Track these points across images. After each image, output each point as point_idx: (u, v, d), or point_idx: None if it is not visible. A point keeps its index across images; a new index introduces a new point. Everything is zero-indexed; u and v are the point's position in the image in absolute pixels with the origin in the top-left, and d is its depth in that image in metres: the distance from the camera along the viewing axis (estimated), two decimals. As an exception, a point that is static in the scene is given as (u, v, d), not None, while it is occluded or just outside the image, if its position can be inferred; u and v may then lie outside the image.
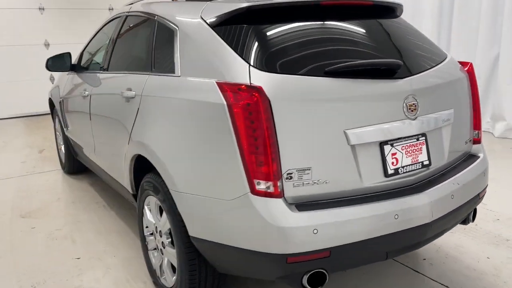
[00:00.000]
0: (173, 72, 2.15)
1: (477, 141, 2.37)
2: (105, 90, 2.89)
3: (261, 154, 1.68)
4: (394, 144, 1.91)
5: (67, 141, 4.20)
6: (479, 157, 2.32)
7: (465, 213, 2.18)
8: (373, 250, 1.84)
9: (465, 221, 2.27)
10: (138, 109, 2.34)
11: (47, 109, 7.82)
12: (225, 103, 1.74)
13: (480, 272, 2.60)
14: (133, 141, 2.38)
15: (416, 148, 1.97)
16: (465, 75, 2.30)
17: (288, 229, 1.67)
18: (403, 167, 1.93)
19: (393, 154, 1.91)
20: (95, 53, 3.57)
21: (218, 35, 1.96)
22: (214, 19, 2.03)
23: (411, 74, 1.98)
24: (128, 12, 3.00)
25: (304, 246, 1.69)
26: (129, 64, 2.72)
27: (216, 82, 1.82)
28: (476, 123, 2.35)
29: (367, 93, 1.84)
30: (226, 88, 1.77)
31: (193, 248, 2.02)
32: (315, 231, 1.69)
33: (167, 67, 2.24)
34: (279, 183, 1.70)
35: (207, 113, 1.82)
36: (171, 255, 2.18)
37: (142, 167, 2.47)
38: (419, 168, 1.98)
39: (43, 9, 7.67)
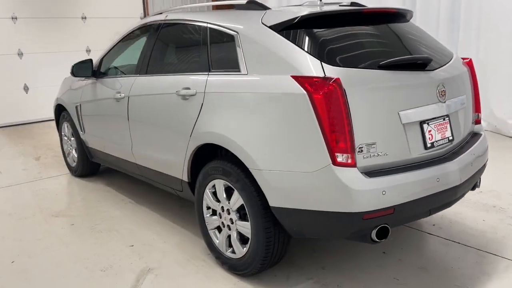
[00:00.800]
0: (239, 71, 2.51)
1: (478, 122, 2.92)
2: (150, 91, 3.16)
3: (340, 133, 2.09)
4: (430, 123, 2.39)
5: (81, 144, 4.37)
6: (481, 134, 2.86)
7: (476, 179, 2.70)
8: (421, 207, 2.30)
9: (474, 187, 2.79)
10: (202, 104, 2.67)
11: (23, 119, 7.83)
12: (305, 92, 2.13)
13: (481, 231, 3.15)
14: (198, 133, 2.69)
15: (443, 126, 2.46)
16: (467, 69, 2.84)
17: (364, 191, 2.09)
18: (436, 141, 2.41)
19: (429, 131, 2.38)
20: (121, 59, 3.81)
21: (285, 37, 2.35)
22: (277, 25, 2.41)
23: (439, 67, 2.48)
24: (164, 20, 3.29)
25: (376, 205, 2.11)
26: (179, 66, 3.03)
27: (292, 76, 2.21)
28: (477, 107, 2.90)
29: (411, 82, 2.31)
30: (303, 80, 2.16)
31: (269, 218, 2.38)
32: (384, 192, 2.12)
33: (229, 67, 2.59)
34: (354, 155, 2.11)
35: (287, 102, 2.20)
36: (243, 228, 2.52)
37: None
38: (446, 142, 2.47)
39: (16, 18, 7.60)
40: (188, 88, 2.79)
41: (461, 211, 3.46)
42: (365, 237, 2.21)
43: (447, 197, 2.39)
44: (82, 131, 4.27)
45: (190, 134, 2.77)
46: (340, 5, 3.07)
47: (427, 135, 2.37)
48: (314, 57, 2.22)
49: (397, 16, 2.76)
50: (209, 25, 2.82)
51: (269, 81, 2.32)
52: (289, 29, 2.38)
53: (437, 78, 2.42)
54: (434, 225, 3.25)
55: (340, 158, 2.10)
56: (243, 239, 2.60)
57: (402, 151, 2.27)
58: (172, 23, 3.24)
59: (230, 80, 2.54)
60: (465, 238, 3.05)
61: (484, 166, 2.78)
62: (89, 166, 4.54)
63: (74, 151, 4.62)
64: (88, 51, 8.49)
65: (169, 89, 2.96)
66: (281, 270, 2.72)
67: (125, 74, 3.76)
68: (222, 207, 2.67)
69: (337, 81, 2.10)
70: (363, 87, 2.17)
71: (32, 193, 4.27)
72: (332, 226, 2.22)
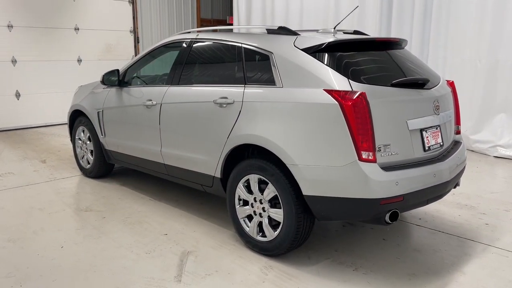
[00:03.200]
0: (274, 84, 3.05)
1: (458, 132, 3.58)
2: (185, 99, 3.63)
3: (365, 135, 2.66)
4: (427, 131, 3.01)
5: (100, 147, 4.74)
6: (461, 143, 3.53)
7: (459, 178, 3.35)
8: (422, 197, 2.90)
9: (455, 185, 3.43)
10: (240, 111, 3.17)
11: (13, 125, 7.99)
12: (337, 103, 2.70)
13: (459, 223, 3.80)
14: (235, 136, 3.19)
15: (436, 134, 3.09)
16: (450, 89, 3.51)
17: (382, 182, 2.67)
18: (432, 145, 3.03)
19: (427, 137, 3.00)
20: (147, 71, 4.26)
21: (316, 58, 2.92)
22: (308, 48, 2.98)
23: (433, 86, 3.12)
24: (196, 38, 3.80)
25: (390, 193, 2.69)
26: (213, 78, 3.52)
27: (325, 90, 2.77)
28: (458, 120, 3.57)
29: (415, 97, 2.94)
30: (335, 94, 2.73)
31: (300, 205, 2.91)
32: (397, 183, 2.71)
33: (265, 81, 3.12)
34: (375, 153, 2.69)
35: (321, 111, 2.75)
36: (275, 214, 3.03)
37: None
38: (438, 147, 3.10)
39: (12, 26, 7.82)
40: (226, 98, 3.30)
41: (440, 209, 4.11)
42: (380, 220, 2.77)
43: (440, 190, 3.01)
44: (102, 135, 4.65)
45: (227, 136, 3.26)
46: (344, 32, 3.70)
47: (425, 140, 2.99)
48: (342, 75, 2.80)
49: (398, 44, 3.40)
50: (244, 45, 3.35)
51: (303, 93, 2.87)
52: (319, 52, 2.95)
53: (433, 95, 3.06)
54: (420, 219, 3.88)
55: (365, 155, 2.67)
56: (272, 225, 3.10)
57: (408, 152, 2.87)
58: (204, 41, 3.74)
59: (267, 92, 3.07)
60: (447, 228, 3.69)
61: (464, 168, 3.43)
62: (105, 168, 4.91)
63: (89, 154, 4.97)
64: (79, 61, 8.77)
65: (205, 98, 3.45)
66: (302, 252, 3.23)
67: (152, 84, 4.20)
68: (255, 198, 3.17)
69: (363, 94, 2.68)
70: (380, 100, 2.76)
71: (53, 191, 4.58)
72: (355, 210, 2.77)
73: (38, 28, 8.17)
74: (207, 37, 3.74)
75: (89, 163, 5.02)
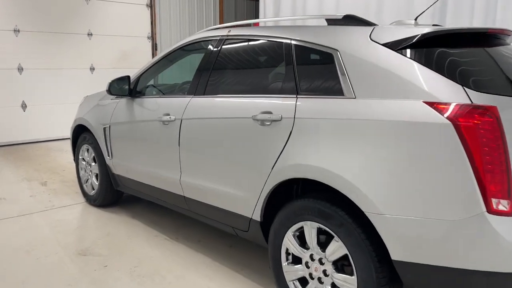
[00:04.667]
0: (342, 94, 2.13)
1: None
2: (213, 114, 2.73)
3: (497, 173, 1.71)
4: None
5: (107, 170, 3.88)
6: None
7: None
8: None
9: None
10: (291, 132, 2.26)
11: (17, 139, 7.23)
12: (449, 122, 1.76)
13: None
14: (283, 166, 2.27)
15: None
16: None
17: (526, 247, 1.70)
18: None
19: None
20: (165, 78, 3.39)
21: (407, 57, 1.99)
22: (394, 42, 2.05)
23: None
24: (227, 36, 2.91)
25: (536, 264, 1.72)
26: (252, 87, 2.62)
27: (426, 103, 1.84)
28: None
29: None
30: (444, 108, 1.79)
31: (385, 273, 1.96)
32: (545, 248, 1.73)
33: (327, 90, 2.21)
34: None
35: (421, 133, 1.82)
36: (345, 283, 2.09)
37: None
38: None
39: (19, 31, 7.11)
40: (270, 113, 2.39)
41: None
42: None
43: None
44: (109, 155, 3.79)
45: (272, 166, 2.35)
46: (415, 25, 2.75)
47: None
48: (452, 81, 1.86)
49: (507, 37, 2.45)
50: (294, 42, 2.44)
51: (389, 107, 1.94)
52: (410, 48, 2.02)
53: None
54: None
55: (496, 204, 1.71)
56: (339, 296, 2.16)
57: (552, 196, 1.90)
58: (239, 39, 2.85)
59: (331, 104, 2.15)
60: None
61: None
62: (112, 195, 4.04)
63: (94, 178, 4.11)
64: (92, 69, 8.01)
65: (241, 113, 2.55)
66: (378, 332, 2.27)
67: (171, 94, 3.34)
68: (312, 255, 2.23)
69: (493, 110, 1.73)
70: (510, 117, 1.81)
71: (48, 226, 3.72)
72: None
73: (48, 33, 7.43)
74: (242, 33, 2.84)
75: (93, 189, 4.16)
